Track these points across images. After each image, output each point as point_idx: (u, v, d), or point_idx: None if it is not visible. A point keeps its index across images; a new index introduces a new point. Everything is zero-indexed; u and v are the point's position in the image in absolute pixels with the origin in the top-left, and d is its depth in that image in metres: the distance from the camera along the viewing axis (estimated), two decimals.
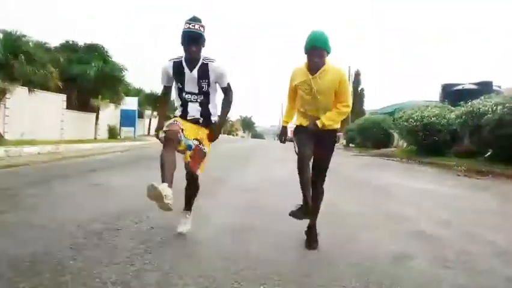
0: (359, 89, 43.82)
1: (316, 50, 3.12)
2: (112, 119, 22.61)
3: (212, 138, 3.35)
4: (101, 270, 2.57)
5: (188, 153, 3.19)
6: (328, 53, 3.18)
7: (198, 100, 3.29)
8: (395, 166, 13.35)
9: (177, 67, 3.26)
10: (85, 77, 18.81)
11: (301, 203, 3.27)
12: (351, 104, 3.37)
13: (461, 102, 13.75)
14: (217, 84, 3.36)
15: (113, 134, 22.28)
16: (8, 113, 13.96)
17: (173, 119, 3.27)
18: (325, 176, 3.45)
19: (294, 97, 3.51)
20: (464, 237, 3.97)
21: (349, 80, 35.52)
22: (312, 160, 3.32)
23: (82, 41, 21.17)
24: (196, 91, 3.26)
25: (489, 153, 12.89)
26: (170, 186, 2.82)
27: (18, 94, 13.69)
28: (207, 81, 3.25)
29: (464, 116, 13.05)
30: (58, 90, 16.25)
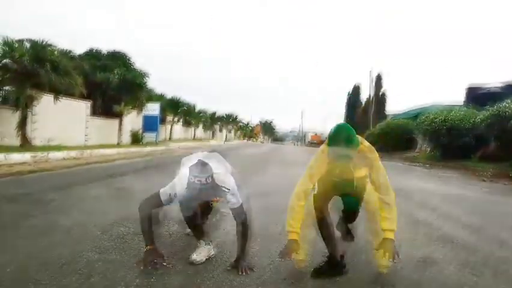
0: (380, 93, 43.40)
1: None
2: (134, 125, 23.00)
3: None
4: (126, 273, 2.62)
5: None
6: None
7: None
8: (418, 170, 13.10)
9: None
10: (108, 84, 19.23)
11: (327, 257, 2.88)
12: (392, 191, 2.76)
13: (488, 105, 13.41)
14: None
15: (136, 139, 22.66)
16: (35, 120, 14.38)
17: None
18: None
19: (312, 178, 2.84)
20: (492, 242, 3.86)
21: (370, 84, 34.52)
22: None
23: (105, 48, 21.73)
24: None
25: None
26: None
27: (45, 101, 14.09)
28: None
29: (490, 119, 12.72)
30: (83, 97, 16.64)
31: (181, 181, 2.75)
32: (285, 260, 2.73)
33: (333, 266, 2.79)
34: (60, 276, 2.51)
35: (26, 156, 10.33)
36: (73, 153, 12.48)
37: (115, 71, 19.65)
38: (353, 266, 2.99)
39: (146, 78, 21.90)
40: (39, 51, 13.06)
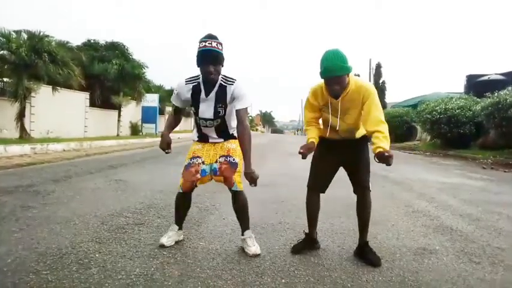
0: (380, 81, 43.37)
1: (334, 78, 2.62)
2: (133, 116, 22.98)
3: (252, 181, 2.85)
4: (126, 263, 2.63)
5: (219, 177, 2.94)
6: (348, 74, 2.67)
7: (214, 124, 2.96)
8: (419, 159, 13.11)
9: (194, 90, 2.90)
10: (106, 75, 19.16)
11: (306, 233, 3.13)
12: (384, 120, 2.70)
13: (487, 94, 13.36)
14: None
15: (135, 130, 22.68)
16: (33, 111, 14.34)
17: (192, 151, 3.06)
18: (368, 186, 2.94)
19: (314, 110, 2.93)
20: (490, 231, 3.87)
21: (370, 73, 34.51)
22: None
23: (103, 39, 21.66)
24: (212, 117, 2.89)
25: None
26: (180, 227, 3.19)
27: (43, 93, 14.06)
28: (223, 106, 2.87)
29: (490, 108, 12.69)
30: (81, 88, 16.59)
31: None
32: (303, 157, 2.81)
33: (309, 243, 3.09)
34: (60, 267, 2.52)
35: (25, 148, 10.34)
36: (72, 145, 12.48)
37: (113, 62, 19.57)
38: (351, 256, 3.00)
39: (145, 68, 21.85)
40: (37, 42, 12.99)
